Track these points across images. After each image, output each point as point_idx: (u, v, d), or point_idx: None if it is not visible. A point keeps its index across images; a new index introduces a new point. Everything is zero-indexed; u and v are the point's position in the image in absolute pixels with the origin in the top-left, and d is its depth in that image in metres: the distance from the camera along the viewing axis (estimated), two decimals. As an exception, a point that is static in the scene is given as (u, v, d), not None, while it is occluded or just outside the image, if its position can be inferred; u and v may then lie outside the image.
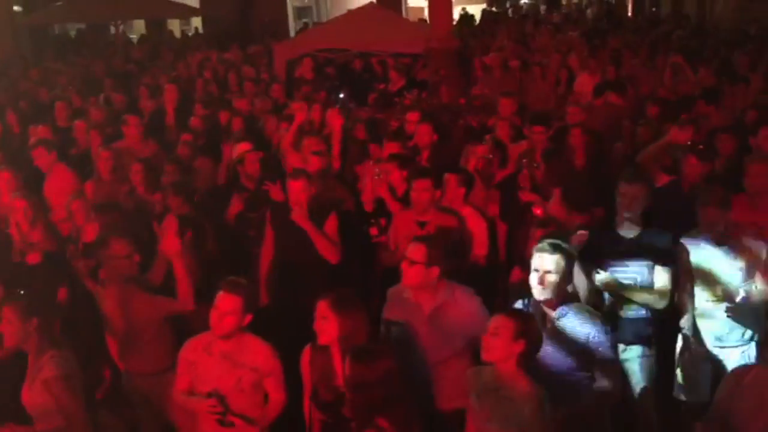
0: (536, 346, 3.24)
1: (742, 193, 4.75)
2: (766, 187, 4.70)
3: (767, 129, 5.33)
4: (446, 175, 5.16)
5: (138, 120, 7.48)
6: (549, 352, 3.53)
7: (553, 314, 3.61)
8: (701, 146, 5.35)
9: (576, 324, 3.57)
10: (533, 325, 3.25)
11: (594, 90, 8.56)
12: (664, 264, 4.27)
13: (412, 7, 24.99)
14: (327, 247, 4.96)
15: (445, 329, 3.80)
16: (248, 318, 3.66)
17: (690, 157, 5.19)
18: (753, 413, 3.19)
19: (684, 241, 4.41)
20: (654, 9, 23.98)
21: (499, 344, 3.16)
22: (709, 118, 6.97)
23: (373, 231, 5.53)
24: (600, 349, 3.54)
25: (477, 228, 5.08)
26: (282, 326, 4.77)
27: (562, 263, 3.56)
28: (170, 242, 4.28)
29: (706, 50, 11.95)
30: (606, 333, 3.58)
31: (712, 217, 4.22)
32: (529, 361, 3.21)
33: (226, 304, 3.59)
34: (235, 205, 5.84)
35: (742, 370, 3.45)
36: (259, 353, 3.70)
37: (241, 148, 6.12)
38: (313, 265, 4.97)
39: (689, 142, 5.36)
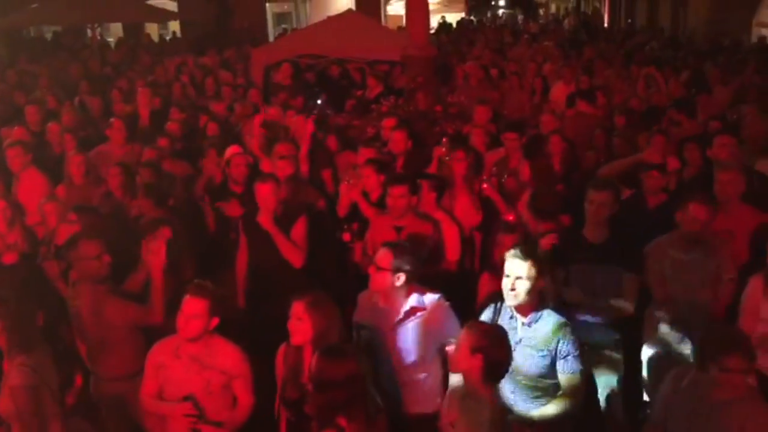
0: (497, 360, 3.23)
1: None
2: (735, 195, 4.79)
3: (722, 138, 5.39)
4: (419, 181, 5.21)
5: (122, 124, 7.46)
6: (520, 358, 3.59)
7: (524, 320, 3.67)
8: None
9: (546, 331, 3.63)
10: (494, 340, 3.24)
11: (567, 99, 8.69)
12: (632, 271, 4.35)
13: (391, 15, 25.13)
14: (290, 250, 5.01)
15: (413, 334, 3.84)
16: (215, 321, 3.67)
17: (650, 171, 5.31)
18: (689, 418, 3.27)
19: (652, 246, 4.49)
20: (629, 21, 24.35)
21: (459, 358, 3.24)
22: (681, 126, 7.08)
23: (346, 237, 5.56)
24: (568, 356, 3.60)
25: (449, 234, 5.14)
26: (257, 330, 4.80)
27: (534, 269, 3.61)
28: (157, 257, 4.31)
29: (679, 61, 12.16)
30: (574, 340, 3.64)
31: (699, 214, 4.28)
32: (492, 373, 3.24)
33: (191, 308, 3.62)
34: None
35: (682, 371, 3.52)
36: (227, 356, 3.72)
37: (230, 151, 6.14)
38: (283, 269, 5.01)
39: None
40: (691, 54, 13.24)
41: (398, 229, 4.88)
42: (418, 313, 3.85)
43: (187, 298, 3.64)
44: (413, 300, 3.87)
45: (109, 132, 7.29)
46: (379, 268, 3.84)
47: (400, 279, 3.83)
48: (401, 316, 3.86)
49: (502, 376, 3.31)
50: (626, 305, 4.35)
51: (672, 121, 7.30)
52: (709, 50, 13.42)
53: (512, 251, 3.72)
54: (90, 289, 4.37)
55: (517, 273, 3.61)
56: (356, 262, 5.28)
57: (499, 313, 3.81)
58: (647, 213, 5.23)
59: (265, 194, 5.02)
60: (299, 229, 5.09)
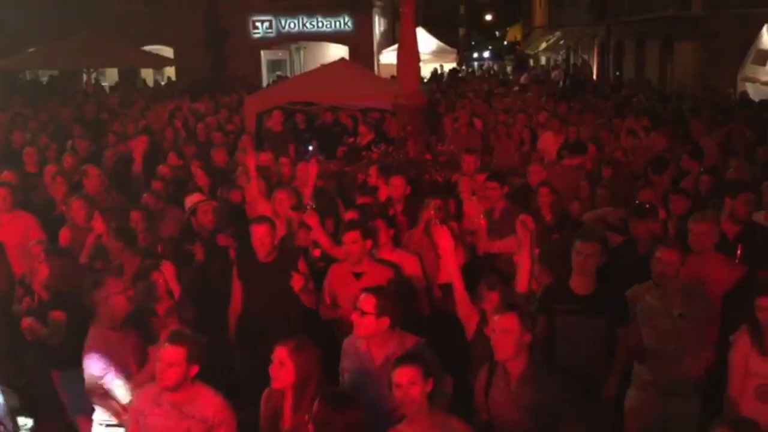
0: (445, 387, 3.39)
1: (692, 254, 4.88)
2: (709, 245, 4.82)
3: (748, 194, 5.41)
4: (375, 222, 5.30)
5: (98, 171, 7.48)
6: (511, 410, 3.60)
7: (516, 373, 3.68)
8: (647, 206, 5.50)
9: (538, 383, 3.63)
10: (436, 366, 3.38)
11: (557, 152, 8.78)
12: (618, 325, 4.35)
13: (384, 64, 25.53)
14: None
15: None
16: (195, 369, 3.62)
17: (637, 218, 5.35)
18: None
19: (632, 291, 4.54)
20: (617, 73, 24.81)
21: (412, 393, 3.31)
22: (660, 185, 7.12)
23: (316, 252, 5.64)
24: (561, 408, 3.59)
25: (409, 268, 5.21)
26: (251, 374, 4.76)
27: (520, 323, 3.63)
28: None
29: (666, 114, 12.37)
30: (567, 391, 3.64)
31: (667, 258, 4.32)
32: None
33: (169, 356, 3.57)
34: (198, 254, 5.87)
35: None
36: (208, 404, 3.66)
37: (193, 199, 6.16)
38: (279, 312, 5.01)
39: (636, 203, 5.58)
40: (679, 107, 13.48)
41: (357, 276, 4.91)
42: None
43: (165, 346, 3.59)
44: (395, 344, 3.89)
45: (86, 180, 7.29)
46: (364, 313, 3.85)
47: (385, 323, 3.85)
48: (384, 360, 3.86)
49: None
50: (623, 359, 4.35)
51: (682, 170, 7.38)
52: (695, 105, 13.67)
53: (498, 306, 3.76)
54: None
55: (505, 326, 3.62)
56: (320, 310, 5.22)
57: (494, 372, 3.81)
58: (638, 260, 5.25)
59: (261, 235, 5.05)
60: (302, 268, 5.12)
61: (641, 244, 5.33)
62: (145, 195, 6.94)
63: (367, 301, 3.88)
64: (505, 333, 3.61)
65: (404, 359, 3.45)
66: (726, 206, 5.43)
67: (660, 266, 4.36)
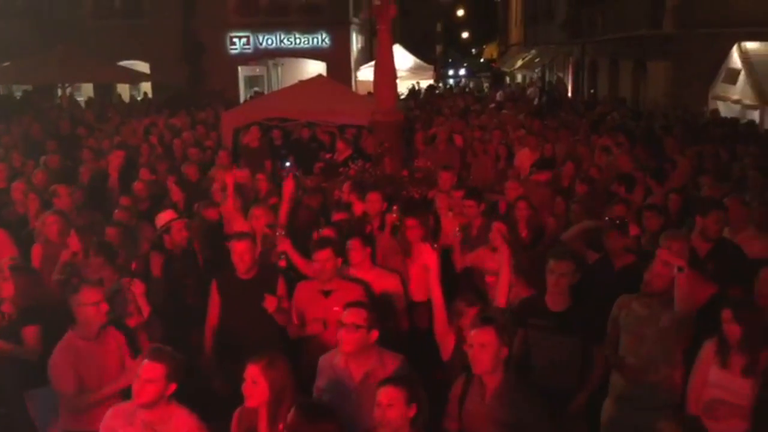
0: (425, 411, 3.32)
1: None
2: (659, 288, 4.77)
3: (718, 212, 5.46)
4: (350, 241, 5.30)
5: (68, 190, 7.41)
6: (484, 423, 3.60)
7: (491, 387, 3.69)
8: (618, 221, 5.57)
9: (513, 398, 3.65)
10: (421, 391, 3.35)
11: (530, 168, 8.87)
12: (593, 342, 4.37)
13: (362, 81, 25.61)
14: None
15: (374, 395, 3.80)
16: (172, 387, 3.59)
17: (610, 233, 5.42)
18: None
19: (619, 300, 4.57)
20: (592, 91, 25.13)
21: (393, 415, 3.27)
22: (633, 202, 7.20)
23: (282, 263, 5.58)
24: (535, 423, 3.61)
25: (389, 288, 5.22)
26: (228, 394, 4.71)
27: (497, 337, 3.66)
28: None
29: (639, 132, 12.55)
30: (542, 407, 3.66)
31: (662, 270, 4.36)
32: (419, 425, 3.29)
33: (147, 372, 3.52)
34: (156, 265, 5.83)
35: None
36: (183, 424, 3.62)
37: (166, 217, 6.13)
38: (257, 329, 4.96)
39: (607, 218, 5.65)
40: (652, 126, 13.67)
41: (326, 294, 4.91)
42: (380, 374, 3.82)
43: (144, 362, 3.56)
44: (374, 360, 3.88)
45: (57, 200, 7.21)
46: (358, 327, 3.83)
47: (374, 336, 3.86)
48: (363, 377, 3.84)
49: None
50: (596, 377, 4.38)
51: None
52: (668, 123, 13.89)
53: (475, 320, 3.78)
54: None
55: (481, 341, 3.65)
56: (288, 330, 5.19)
57: (470, 383, 3.81)
58: (613, 274, 5.31)
59: (242, 251, 5.03)
60: (282, 290, 5.09)
61: (615, 259, 5.40)
62: (116, 212, 6.88)
63: (358, 314, 3.86)
64: (483, 347, 3.64)
65: (390, 380, 3.41)
66: (697, 224, 5.51)
67: (655, 276, 4.42)
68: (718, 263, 5.17)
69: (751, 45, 16.27)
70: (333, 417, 3.18)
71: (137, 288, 4.79)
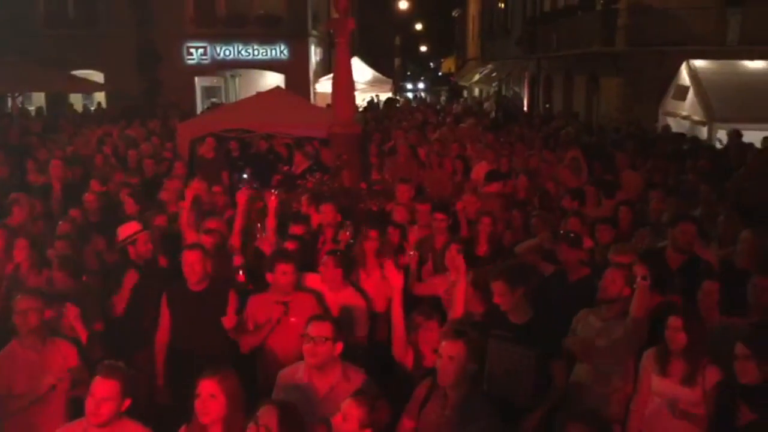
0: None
1: None
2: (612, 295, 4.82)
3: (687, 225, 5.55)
4: (324, 257, 5.27)
5: (27, 199, 7.25)
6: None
7: (453, 400, 3.70)
8: (571, 234, 5.67)
9: (473, 414, 3.66)
10: (382, 413, 3.32)
11: (484, 178, 8.91)
12: (552, 356, 4.41)
13: (320, 93, 25.60)
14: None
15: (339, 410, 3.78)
16: (127, 402, 3.51)
17: (562, 245, 5.52)
18: None
19: (579, 315, 4.65)
20: (547, 105, 25.58)
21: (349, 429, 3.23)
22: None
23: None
24: None
25: (357, 309, 5.17)
26: (179, 408, 4.63)
27: (465, 350, 3.68)
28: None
29: (592, 148, 12.80)
30: (499, 425, 3.68)
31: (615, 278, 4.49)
32: None
33: (102, 390, 3.43)
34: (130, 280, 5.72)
35: None
36: None
37: (130, 229, 6.04)
38: (209, 345, 4.89)
39: (561, 231, 5.73)
40: (604, 140, 13.97)
41: (284, 303, 4.84)
42: (343, 388, 3.79)
43: (97, 379, 3.46)
44: (338, 374, 3.86)
45: (16, 207, 7.05)
46: (326, 339, 3.80)
47: (339, 348, 3.85)
48: (327, 392, 3.81)
49: None
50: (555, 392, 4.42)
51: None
52: (618, 137, 14.20)
53: (445, 331, 3.82)
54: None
55: (449, 353, 3.68)
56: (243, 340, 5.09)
57: (434, 390, 3.82)
58: (568, 287, 5.38)
59: (192, 261, 4.97)
60: (233, 305, 5.02)
61: (570, 272, 5.49)
62: (60, 224, 6.74)
63: (324, 327, 3.83)
64: (451, 360, 3.67)
65: (356, 396, 3.36)
66: (668, 236, 5.62)
67: (608, 285, 4.51)
68: (688, 278, 5.20)
69: (699, 63, 16.78)
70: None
71: (71, 312, 4.68)
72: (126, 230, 5.97)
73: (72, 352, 4.39)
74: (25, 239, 5.90)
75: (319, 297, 5.08)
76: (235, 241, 6.13)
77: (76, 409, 3.94)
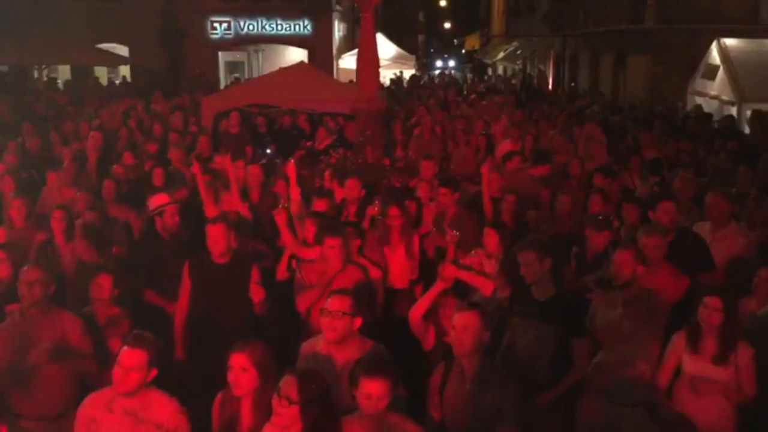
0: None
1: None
2: (658, 257, 4.90)
3: (666, 204, 5.54)
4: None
5: (72, 166, 7.41)
6: (465, 408, 3.65)
7: (471, 372, 3.74)
8: (600, 217, 5.62)
9: (493, 382, 3.71)
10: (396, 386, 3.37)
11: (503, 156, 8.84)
12: (573, 334, 4.37)
13: (343, 69, 25.52)
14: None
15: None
16: (153, 373, 3.57)
17: (587, 229, 5.48)
18: None
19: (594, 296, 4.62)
20: (572, 84, 25.26)
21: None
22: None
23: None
24: (508, 407, 3.66)
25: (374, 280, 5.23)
26: (198, 379, 4.71)
27: (479, 321, 3.72)
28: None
29: (619, 126, 12.65)
30: (516, 395, 3.71)
31: (624, 259, 4.45)
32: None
33: (130, 360, 3.48)
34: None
35: None
36: (163, 409, 3.59)
37: (160, 200, 6.09)
38: (232, 314, 4.97)
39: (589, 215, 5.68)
40: (631, 119, 13.78)
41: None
42: None
43: (125, 349, 3.51)
44: (357, 349, 3.88)
45: (53, 175, 7.14)
46: (344, 313, 3.83)
47: (357, 323, 3.88)
48: (344, 364, 3.83)
49: None
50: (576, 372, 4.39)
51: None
52: (645, 116, 14.00)
53: (459, 304, 3.86)
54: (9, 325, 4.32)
55: (464, 324, 3.71)
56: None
57: (450, 371, 3.85)
58: (587, 269, 5.36)
59: (217, 235, 5.02)
60: (256, 278, 5.08)
61: (592, 253, 5.45)
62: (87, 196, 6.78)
63: (342, 302, 3.86)
64: (465, 329, 3.72)
65: (374, 371, 3.35)
66: (652, 218, 5.59)
67: (618, 266, 4.48)
68: (681, 253, 5.18)
69: (730, 41, 16.41)
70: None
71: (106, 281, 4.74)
72: (156, 201, 6.03)
73: (75, 326, 4.41)
74: (61, 210, 5.95)
75: (365, 270, 5.09)
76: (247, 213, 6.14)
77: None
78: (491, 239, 5.41)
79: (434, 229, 5.98)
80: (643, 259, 4.53)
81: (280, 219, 5.50)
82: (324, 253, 4.89)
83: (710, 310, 4.07)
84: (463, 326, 3.73)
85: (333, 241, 4.85)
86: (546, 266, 4.47)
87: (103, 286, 4.69)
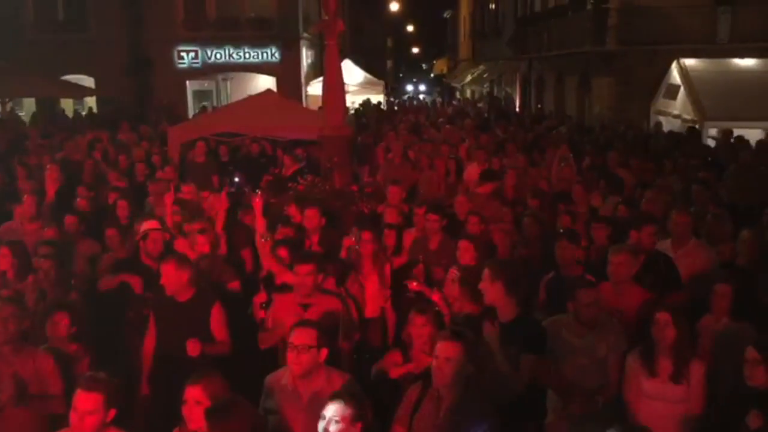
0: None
1: (607, 282, 5.00)
2: (626, 276, 4.98)
3: (651, 227, 5.61)
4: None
5: (33, 201, 7.30)
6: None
7: (448, 402, 3.66)
8: (574, 231, 5.66)
9: (469, 416, 3.62)
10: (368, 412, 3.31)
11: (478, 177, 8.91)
12: (529, 351, 4.32)
13: (312, 96, 25.52)
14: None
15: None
16: (112, 413, 3.46)
17: (563, 240, 5.50)
18: None
19: (548, 322, 4.59)
20: (539, 105, 25.60)
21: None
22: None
23: (261, 314, 5.44)
24: None
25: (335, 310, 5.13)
26: (161, 416, 4.60)
27: (462, 351, 3.64)
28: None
29: (585, 147, 12.79)
30: (496, 427, 3.63)
31: (587, 298, 4.43)
32: None
33: (85, 404, 3.37)
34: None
35: None
36: None
37: (147, 225, 6.02)
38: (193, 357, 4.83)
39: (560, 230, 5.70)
40: (596, 140, 13.97)
41: (304, 307, 4.82)
42: (328, 394, 3.71)
43: (79, 393, 3.40)
44: (323, 380, 3.82)
45: (18, 209, 7.01)
46: (309, 347, 3.75)
47: (323, 355, 3.80)
48: (311, 397, 3.77)
49: None
50: (514, 384, 4.30)
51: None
52: (610, 136, 14.20)
53: (442, 333, 3.79)
54: None
55: (447, 354, 3.63)
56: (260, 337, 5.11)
57: (426, 393, 3.77)
58: (563, 286, 5.34)
59: (168, 272, 4.95)
60: (216, 317, 4.99)
61: (564, 269, 5.44)
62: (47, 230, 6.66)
63: (307, 335, 3.78)
64: (448, 361, 3.63)
65: (340, 396, 3.33)
66: (631, 238, 5.63)
67: (584, 306, 4.44)
68: (653, 274, 5.25)
69: (689, 61, 16.83)
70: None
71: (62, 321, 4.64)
72: (145, 226, 5.96)
73: (48, 365, 4.28)
74: (6, 246, 5.81)
75: (342, 298, 5.04)
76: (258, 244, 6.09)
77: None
78: (467, 253, 5.38)
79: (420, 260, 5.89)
80: None
81: (263, 249, 5.48)
82: (299, 282, 4.81)
83: (661, 325, 4.05)
84: (445, 357, 3.62)
85: (305, 267, 4.78)
86: (497, 286, 4.40)
87: (59, 323, 4.58)
